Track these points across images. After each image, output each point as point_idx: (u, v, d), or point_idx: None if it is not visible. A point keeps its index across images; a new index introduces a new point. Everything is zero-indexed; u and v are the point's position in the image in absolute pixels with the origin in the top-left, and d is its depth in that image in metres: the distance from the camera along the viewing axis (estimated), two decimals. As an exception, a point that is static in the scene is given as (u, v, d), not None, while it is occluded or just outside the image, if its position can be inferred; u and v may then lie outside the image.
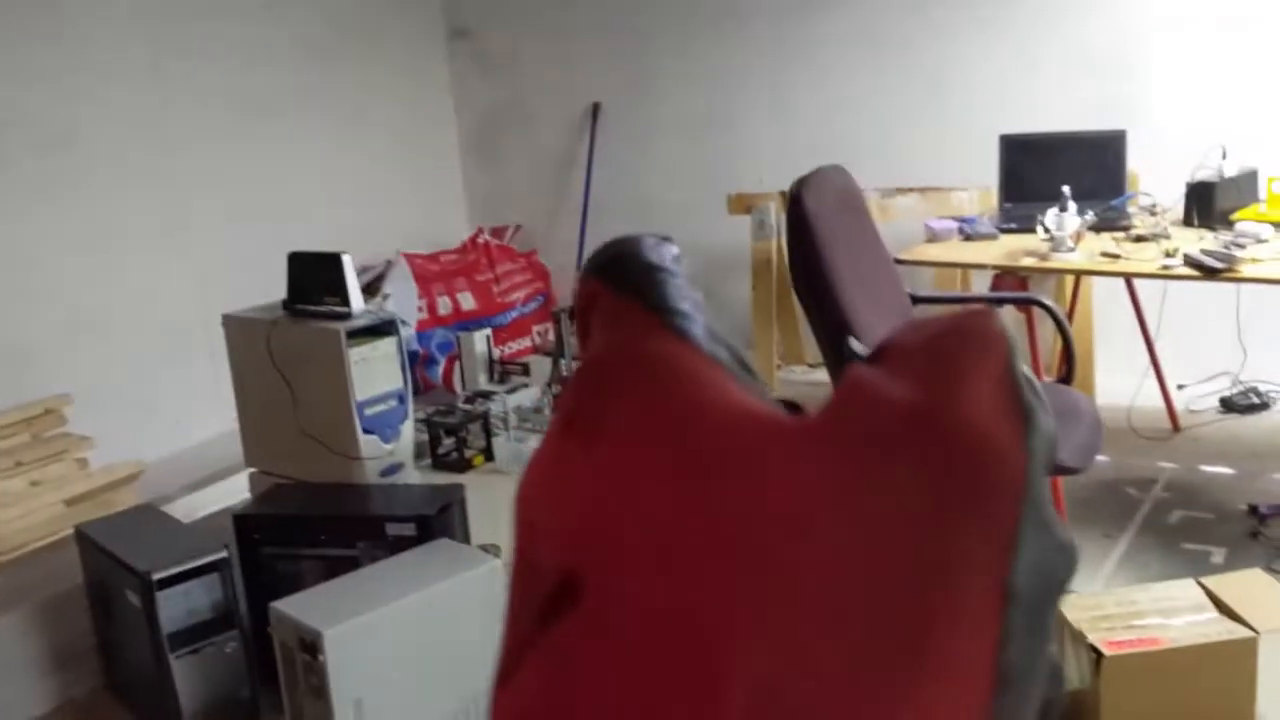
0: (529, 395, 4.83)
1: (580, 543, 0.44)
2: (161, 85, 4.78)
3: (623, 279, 0.60)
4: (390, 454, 3.14)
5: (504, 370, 5.17)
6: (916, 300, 3.21)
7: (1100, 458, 4.05)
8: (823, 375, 3.51)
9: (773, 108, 5.36)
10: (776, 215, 4.85)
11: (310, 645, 2.44)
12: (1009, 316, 4.42)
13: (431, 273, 5.57)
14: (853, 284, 2.82)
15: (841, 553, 0.41)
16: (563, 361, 4.87)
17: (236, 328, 3.30)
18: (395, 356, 3.11)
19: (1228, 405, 4.29)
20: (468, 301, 5.60)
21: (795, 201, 2.78)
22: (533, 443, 4.48)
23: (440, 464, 4.45)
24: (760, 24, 5.29)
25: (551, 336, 5.16)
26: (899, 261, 3.69)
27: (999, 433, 0.40)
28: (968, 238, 3.80)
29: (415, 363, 5.31)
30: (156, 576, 2.66)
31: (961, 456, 0.40)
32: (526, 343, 5.83)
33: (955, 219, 3.95)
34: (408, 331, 5.27)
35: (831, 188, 2.94)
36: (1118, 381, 4.39)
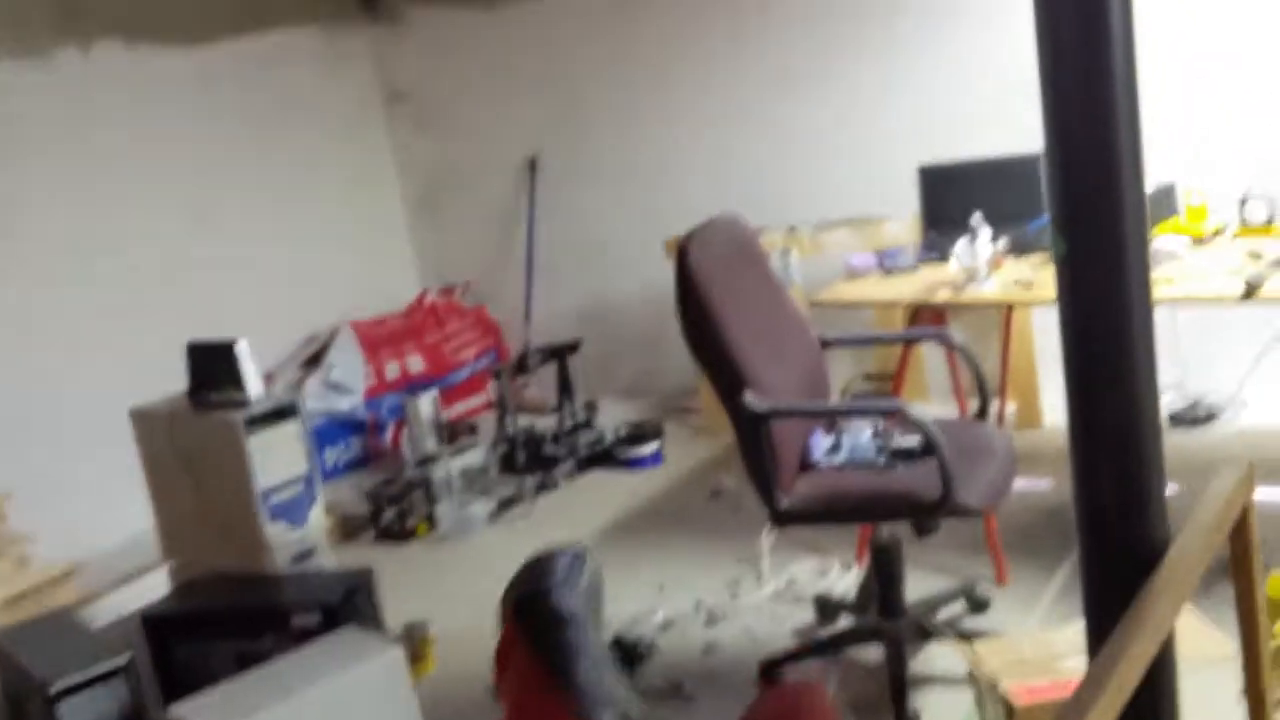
0: (475, 456, 4.78)
1: None
2: (94, 163, 4.76)
3: (536, 633, 0.73)
4: (301, 540, 3.08)
5: (452, 432, 5.12)
6: (826, 344, 3.15)
7: (1043, 483, 4.00)
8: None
9: (707, 149, 5.34)
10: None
11: (203, 751, 2.39)
12: (929, 352, 4.38)
13: (379, 337, 5.54)
14: (748, 336, 2.77)
15: None
16: (507, 419, 4.82)
17: (143, 421, 3.27)
18: (299, 439, 3.07)
19: (1175, 419, 4.22)
20: (417, 364, 5.56)
21: (681, 255, 2.74)
22: (477, 506, 4.43)
23: (383, 535, 4.40)
24: (685, 70, 5.28)
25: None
26: (814, 304, 3.66)
27: None
28: (888, 272, 3.75)
29: (364, 431, 5.28)
30: (55, 689, 2.61)
31: None
32: (482, 399, 5.79)
33: (877, 253, 3.90)
34: (355, 400, 5.24)
35: (721, 238, 2.89)
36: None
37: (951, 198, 3.96)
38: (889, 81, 4.82)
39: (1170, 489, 1.26)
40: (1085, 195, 0.99)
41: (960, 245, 3.43)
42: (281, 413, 3.05)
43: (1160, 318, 3.87)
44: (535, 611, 0.74)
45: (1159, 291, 3.15)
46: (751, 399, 2.66)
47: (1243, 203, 3.47)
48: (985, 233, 3.46)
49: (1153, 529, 1.03)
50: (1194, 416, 4.20)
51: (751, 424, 2.67)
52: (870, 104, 4.87)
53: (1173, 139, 3.93)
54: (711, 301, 2.71)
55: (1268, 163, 3.83)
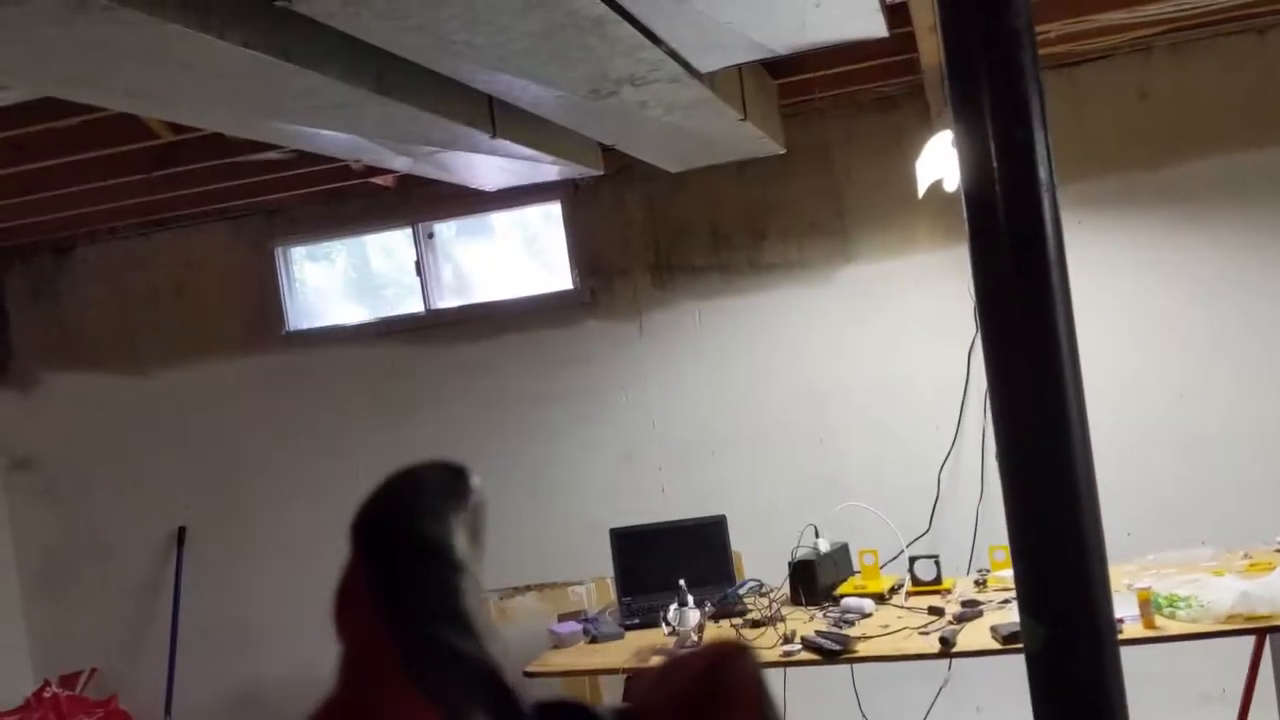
0: None
1: None
2: None
3: (386, 568, 0.53)
4: None
5: None
6: None
7: None
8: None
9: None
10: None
11: None
12: None
13: (-16, 743, 4.72)
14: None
15: None
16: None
17: None
18: None
19: (860, 772, 4.32)
20: (32, 771, 4.76)
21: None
22: None
23: None
24: (347, 436, 5.15)
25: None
26: (528, 674, 3.52)
27: None
28: (593, 639, 3.70)
29: None
30: None
31: None
32: (108, 810, 5.00)
33: (579, 619, 3.86)
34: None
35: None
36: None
37: (642, 561, 4.03)
38: (568, 454, 4.93)
39: None
40: (1060, 585, 1.00)
41: (671, 611, 3.46)
42: None
43: (843, 671, 3.99)
44: (390, 540, 0.51)
45: (855, 649, 3.31)
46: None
47: (912, 561, 3.77)
48: (690, 599, 3.52)
49: None
50: (878, 769, 4.32)
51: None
52: (548, 473, 4.94)
53: (841, 502, 4.24)
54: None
55: (920, 527, 4.22)
